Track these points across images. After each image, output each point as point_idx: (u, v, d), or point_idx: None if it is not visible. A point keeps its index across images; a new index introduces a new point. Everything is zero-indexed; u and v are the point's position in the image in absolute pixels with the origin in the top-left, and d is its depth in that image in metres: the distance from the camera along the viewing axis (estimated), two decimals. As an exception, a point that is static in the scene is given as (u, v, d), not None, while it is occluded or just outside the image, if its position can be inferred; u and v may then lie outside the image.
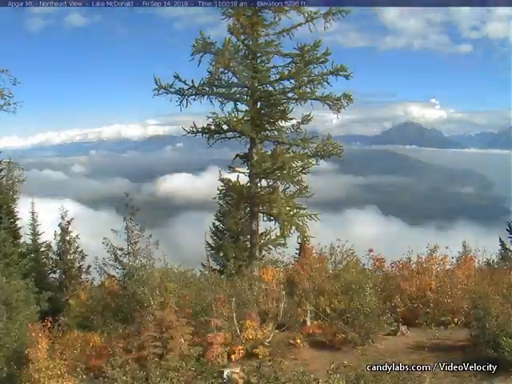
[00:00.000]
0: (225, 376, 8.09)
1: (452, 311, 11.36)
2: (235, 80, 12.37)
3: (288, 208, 12.07)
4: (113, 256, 14.04)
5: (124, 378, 7.20)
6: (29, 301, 12.95)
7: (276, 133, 12.86)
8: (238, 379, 7.94)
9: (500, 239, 18.65)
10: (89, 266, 20.12)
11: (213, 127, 12.41)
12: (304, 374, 6.90)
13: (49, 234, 18.98)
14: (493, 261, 14.62)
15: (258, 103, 12.43)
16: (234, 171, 13.09)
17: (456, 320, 11.14)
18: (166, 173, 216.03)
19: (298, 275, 12.95)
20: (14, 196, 18.92)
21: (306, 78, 11.78)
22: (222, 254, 20.57)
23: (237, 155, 12.95)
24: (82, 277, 19.58)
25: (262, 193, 12.60)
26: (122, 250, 14.10)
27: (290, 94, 12.29)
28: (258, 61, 12.30)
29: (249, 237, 13.46)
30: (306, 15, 11.80)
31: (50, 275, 18.96)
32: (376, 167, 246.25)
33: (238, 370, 8.35)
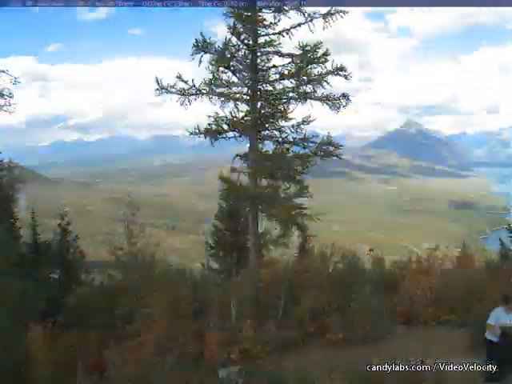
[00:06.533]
0: (224, 375, 8.09)
1: (452, 310, 11.38)
2: (235, 80, 12.40)
3: (288, 208, 12.07)
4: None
5: (123, 377, 7.20)
6: (28, 301, 12.92)
7: (276, 132, 12.87)
8: (238, 379, 7.94)
9: (500, 239, 18.65)
10: (88, 266, 20.13)
11: (214, 127, 12.41)
12: (304, 373, 6.91)
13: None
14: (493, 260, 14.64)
15: (259, 103, 12.44)
16: (234, 171, 13.08)
17: (456, 319, 11.16)
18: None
19: (298, 274, 12.96)
20: (14, 196, 18.96)
21: (305, 78, 11.81)
22: (221, 254, 20.58)
23: (237, 155, 12.96)
24: (81, 276, 19.58)
25: (262, 192, 12.60)
26: (121, 249, 14.11)
27: (290, 94, 12.30)
28: (258, 60, 12.32)
29: (249, 236, 13.42)
30: (306, 15, 11.83)
31: (50, 275, 18.95)
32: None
33: (237, 369, 8.35)
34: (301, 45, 11.61)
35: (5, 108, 15.56)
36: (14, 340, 9.59)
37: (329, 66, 11.68)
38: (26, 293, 12.53)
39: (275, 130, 12.78)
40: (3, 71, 15.20)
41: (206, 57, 11.78)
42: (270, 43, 12.06)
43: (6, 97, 15.61)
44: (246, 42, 12.02)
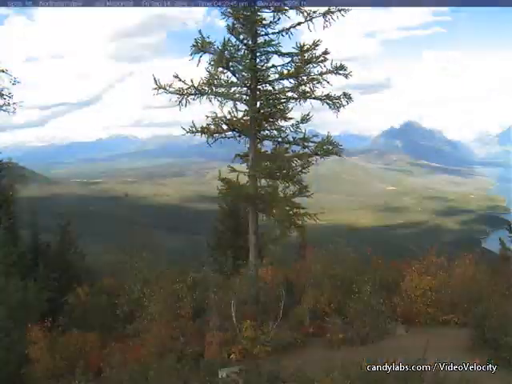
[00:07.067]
0: (224, 376, 8.08)
1: (452, 310, 11.37)
2: (234, 79, 12.37)
3: (287, 208, 12.05)
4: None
5: (123, 377, 7.19)
6: (28, 301, 12.91)
7: (276, 132, 12.84)
8: (238, 379, 7.93)
9: (500, 239, 18.64)
10: (88, 266, 20.13)
11: (212, 127, 12.38)
12: (304, 373, 6.90)
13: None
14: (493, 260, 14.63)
15: (258, 102, 12.41)
16: (234, 171, 13.07)
17: (456, 319, 11.15)
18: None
19: (298, 274, 12.94)
20: (14, 196, 18.93)
21: (305, 77, 11.78)
22: (221, 254, 20.58)
23: (236, 155, 12.95)
24: (81, 277, 19.56)
25: (262, 192, 12.59)
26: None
27: (289, 94, 12.28)
28: (258, 60, 12.28)
29: (248, 236, 13.40)
30: (306, 14, 11.79)
31: (50, 275, 18.93)
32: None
33: (237, 369, 8.34)
34: (299, 44, 11.58)
35: (4, 108, 15.59)
36: (14, 340, 9.59)
37: (328, 65, 11.65)
38: (26, 293, 12.52)
39: (275, 129, 12.76)
40: (3, 71, 15.21)
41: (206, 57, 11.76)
42: (269, 43, 12.03)
43: (5, 97, 15.64)
44: (245, 41, 11.99)
